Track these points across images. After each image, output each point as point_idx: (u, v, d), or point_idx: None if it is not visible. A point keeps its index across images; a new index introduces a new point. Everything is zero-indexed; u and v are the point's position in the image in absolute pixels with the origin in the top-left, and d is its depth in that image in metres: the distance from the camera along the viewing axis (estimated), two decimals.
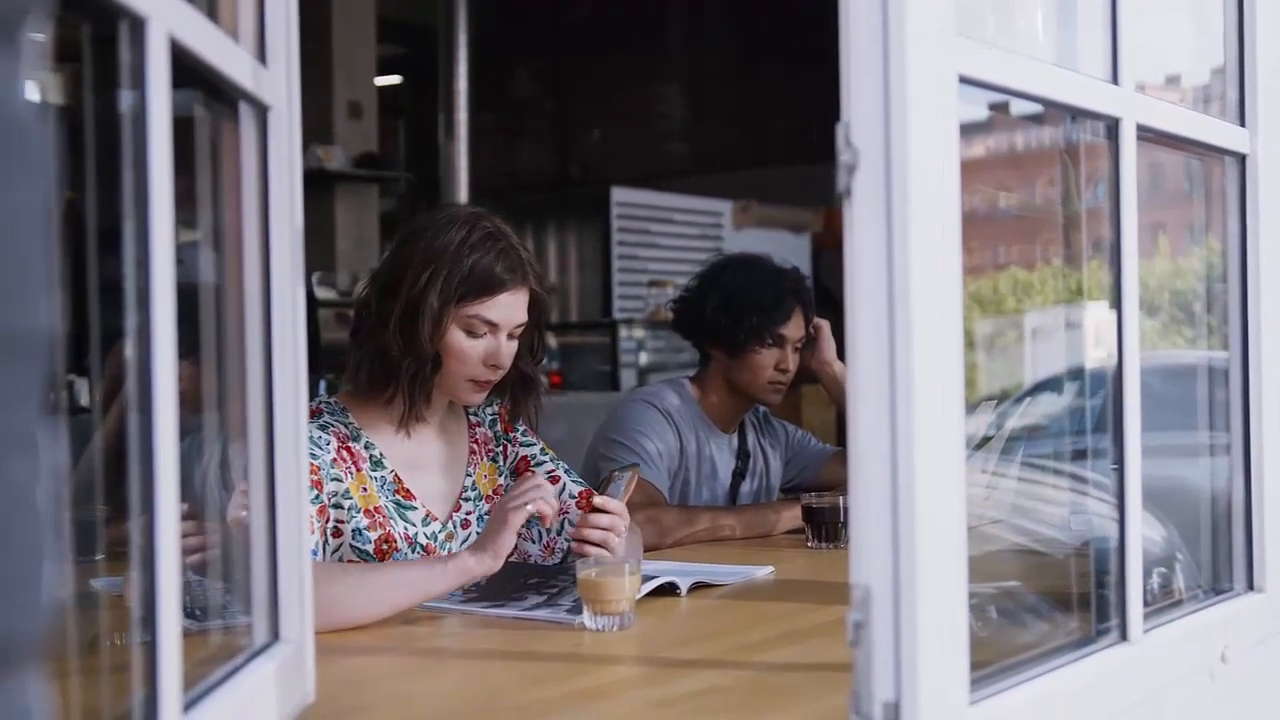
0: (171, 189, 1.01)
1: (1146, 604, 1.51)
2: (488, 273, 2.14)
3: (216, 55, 1.15)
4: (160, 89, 0.99)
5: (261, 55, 1.33)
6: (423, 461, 2.26)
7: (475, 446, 2.35)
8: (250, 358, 1.34)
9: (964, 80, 1.22)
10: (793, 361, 2.96)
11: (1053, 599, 1.68)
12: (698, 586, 2.15)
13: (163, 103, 0.99)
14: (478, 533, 2.27)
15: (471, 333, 2.16)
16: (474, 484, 2.32)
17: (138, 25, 0.97)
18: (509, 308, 2.17)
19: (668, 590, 2.08)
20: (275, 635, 1.35)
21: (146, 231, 0.98)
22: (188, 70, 1.08)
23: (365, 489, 2.16)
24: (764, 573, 2.31)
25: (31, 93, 0.60)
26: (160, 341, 0.99)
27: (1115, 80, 1.47)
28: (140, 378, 0.98)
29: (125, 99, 0.99)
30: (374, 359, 2.17)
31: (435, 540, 2.23)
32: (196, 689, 1.13)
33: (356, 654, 1.75)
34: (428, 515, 2.22)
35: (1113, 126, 1.47)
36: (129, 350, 0.98)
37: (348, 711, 1.48)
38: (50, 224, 0.60)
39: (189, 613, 1.23)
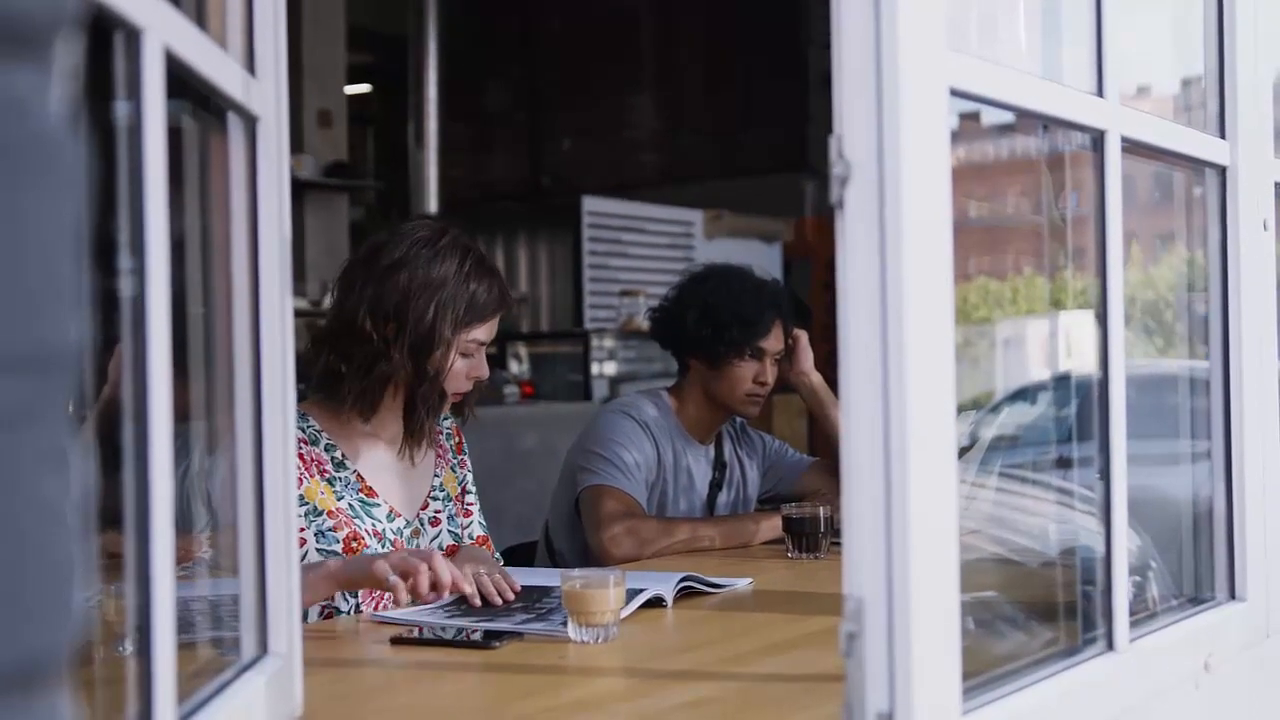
0: (166, 198, 1.00)
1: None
2: (487, 300, 2.28)
3: (209, 66, 1.15)
4: (156, 99, 0.98)
5: (250, 66, 1.32)
6: (388, 463, 2.33)
7: (440, 450, 2.44)
8: (238, 368, 1.33)
9: (955, 93, 1.22)
10: (771, 374, 2.97)
11: (1037, 609, 1.68)
12: (684, 592, 2.15)
13: (158, 113, 0.99)
14: (449, 530, 2.39)
15: (465, 354, 2.28)
16: (441, 484, 2.41)
17: (133, 36, 0.97)
18: (495, 326, 2.32)
19: (653, 602, 2.07)
20: (264, 649, 1.34)
21: (142, 242, 0.97)
22: (177, 80, 1.08)
23: (324, 492, 2.21)
24: (744, 584, 2.31)
25: (61, 107, 0.60)
26: (155, 353, 0.98)
27: (1100, 93, 1.48)
28: (135, 388, 0.97)
29: (120, 109, 0.99)
30: (378, 385, 2.24)
31: (401, 536, 2.30)
32: (188, 703, 1.12)
33: (344, 668, 1.74)
34: (391, 512, 2.28)
35: (1098, 139, 1.48)
36: (125, 361, 0.97)
37: None
38: (81, 239, 0.60)
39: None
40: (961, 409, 1.88)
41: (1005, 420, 2.33)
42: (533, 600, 2.10)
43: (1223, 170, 1.77)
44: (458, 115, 9.25)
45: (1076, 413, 1.77)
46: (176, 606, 1.22)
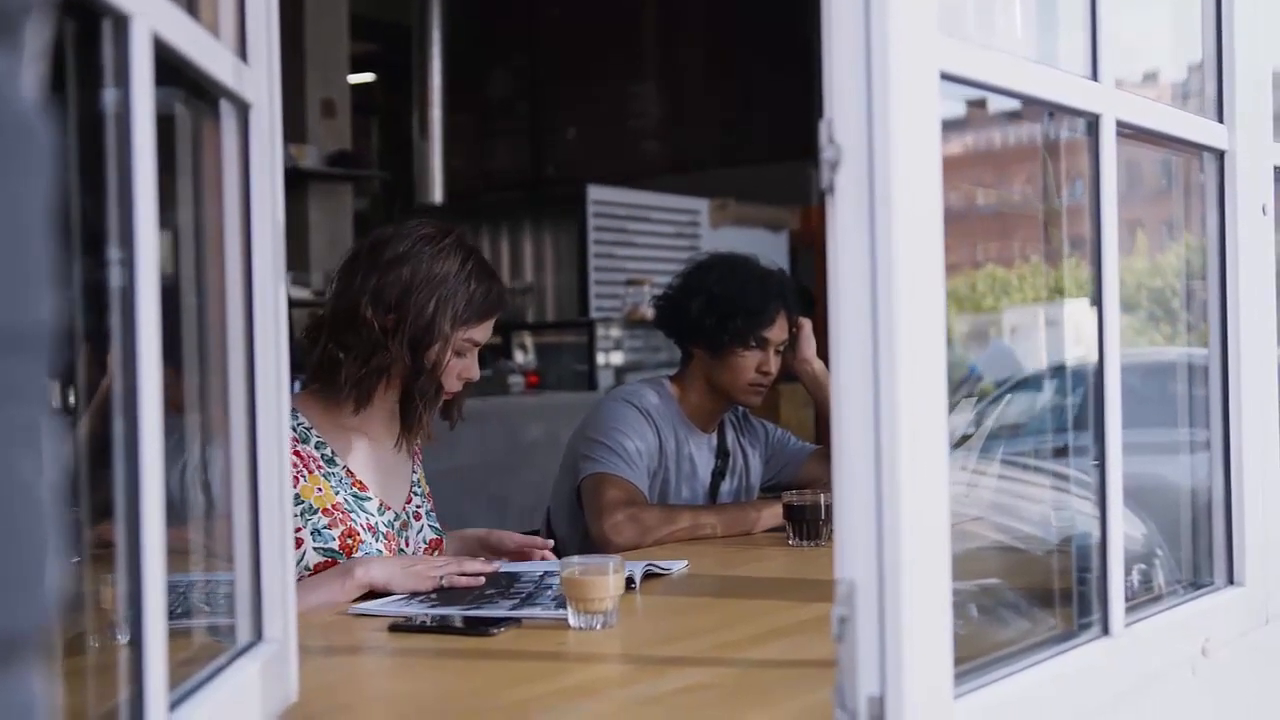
0: (155, 187, 1.00)
1: (1127, 599, 1.51)
2: (485, 301, 2.29)
3: (199, 53, 1.15)
4: (144, 86, 0.98)
5: (242, 53, 1.32)
6: (373, 458, 2.35)
7: (417, 449, 2.46)
8: (232, 358, 1.33)
9: (946, 77, 1.22)
10: (774, 364, 2.96)
11: (1034, 595, 1.68)
12: (649, 576, 2.20)
13: (146, 100, 0.99)
14: (430, 525, 2.42)
15: (460, 353, 2.29)
16: (418, 481, 2.44)
17: (121, 23, 0.97)
18: (490, 328, 2.34)
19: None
20: (259, 635, 1.34)
21: (131, 231, 0.97)
22: (167, 68, 1.08)
23: (320, 489, 2.23)
24: (680, 566, 2.33)
25: (33, 90, 0.60)
26: (145, 343, 0.98)
27: (1095, 77, 1.48)
28: (125, 379, 0.98)
29: (108, 96, 0.99)
30: (375, 375, 2.25)
31: (392, 529, 2.32)
32: (181, 688, 1.13)
33: (339, 654, 1.74)
34: (381, 505, 2.31)
35: (1093, 123, 1.48)
36: (115, 352, 0.98)
37: (330, 711, 1.47)
38: (52, 221, 0.60)
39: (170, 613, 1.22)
40: (968, 396, 1.88)
41: (1010, 408, 2.33)
42: (506, 587, 2.10)
43: (1221, 155, 1.77)
44: (461, 105, 9.25)
45: (1078, 400, 1.77)
46: (174, 593, 1.23)
